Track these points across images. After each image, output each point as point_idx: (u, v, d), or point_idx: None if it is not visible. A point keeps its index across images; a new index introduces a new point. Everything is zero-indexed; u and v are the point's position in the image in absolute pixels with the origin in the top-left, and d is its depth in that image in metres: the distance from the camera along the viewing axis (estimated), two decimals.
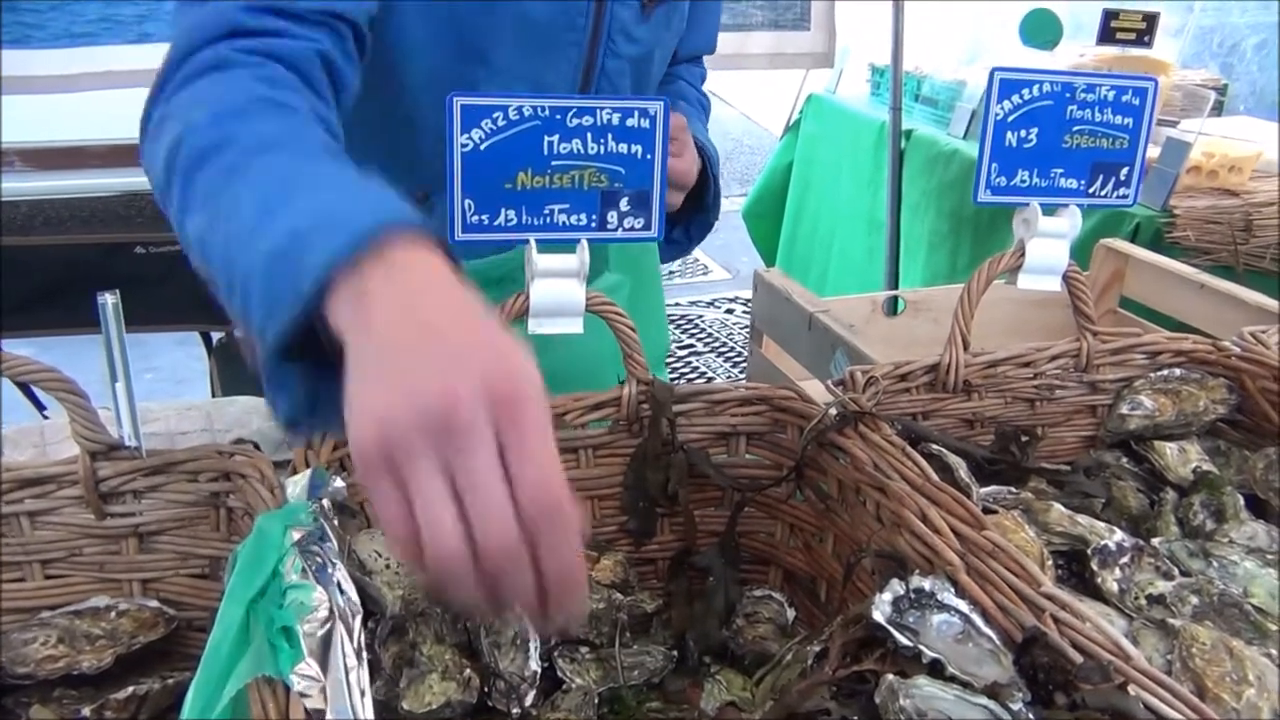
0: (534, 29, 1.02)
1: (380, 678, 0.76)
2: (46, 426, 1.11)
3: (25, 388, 1.60)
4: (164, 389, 3.45)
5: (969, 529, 0.77)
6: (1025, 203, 1.07)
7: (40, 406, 1.96)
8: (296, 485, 0.78)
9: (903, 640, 0.68)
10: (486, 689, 0.79)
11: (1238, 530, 0.95)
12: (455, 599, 0.53)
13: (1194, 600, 0.84)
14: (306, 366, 0.61)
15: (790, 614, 0.93)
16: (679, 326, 4.35)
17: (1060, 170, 1.08)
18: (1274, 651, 0.77)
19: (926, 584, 0.72)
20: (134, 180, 2.44)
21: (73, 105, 2.30)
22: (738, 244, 3.80)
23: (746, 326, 1.91)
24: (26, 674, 0.81)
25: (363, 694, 0.62)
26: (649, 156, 0.92)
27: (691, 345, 4.18)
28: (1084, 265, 1.54)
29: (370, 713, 0.61)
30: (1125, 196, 1.11)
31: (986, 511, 0.86)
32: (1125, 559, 0.88)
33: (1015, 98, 1.05)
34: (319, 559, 0.70)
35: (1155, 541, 0.92)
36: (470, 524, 0.51)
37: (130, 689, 0.81)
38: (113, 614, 0.88)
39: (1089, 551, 0.88)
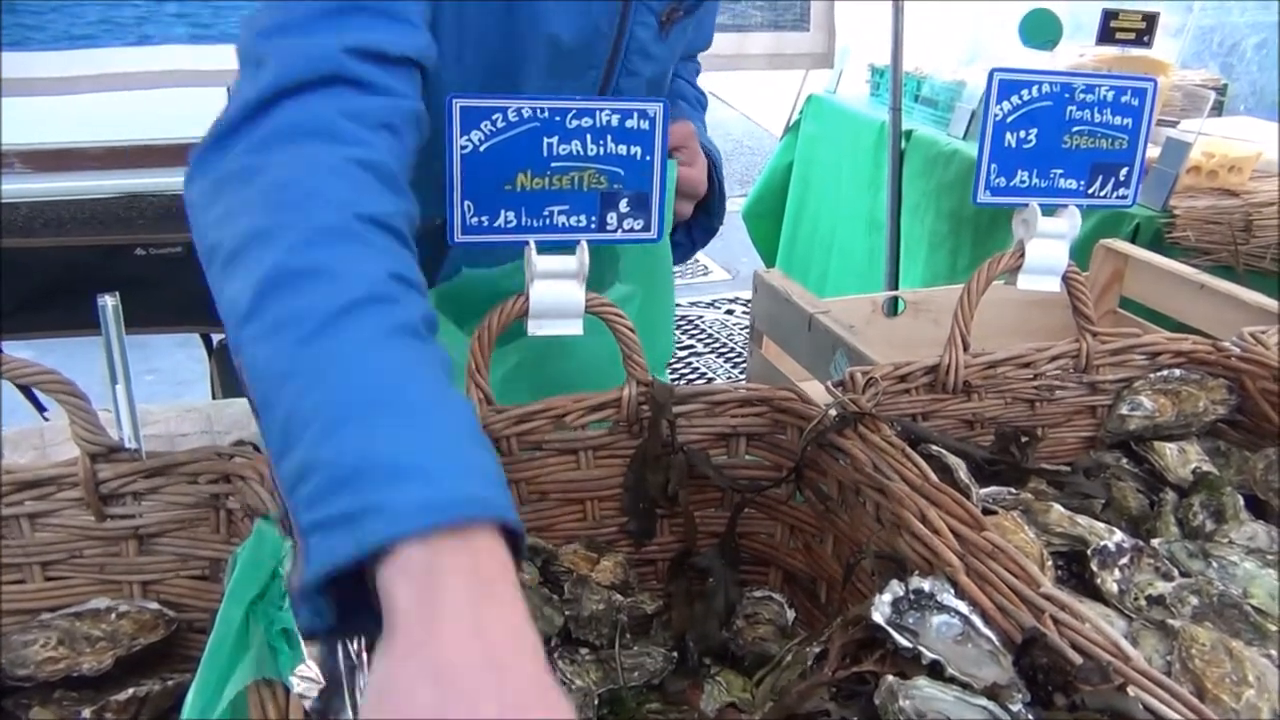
0: (561, 53, 1.01)
1: None
2: (46, 428, 1.12)
3: (26, 389, 1.60)
4: (165, 391, 3.45)
5: (968, 530, 0.77)
6: (1025, 203, 1.07)
7: (41, 408, 1.96)
8: None
9: (902, 641, 0.68)
10: None
11: (1237, 531, 0.95)
12: None
13: (1194, 601, 0.84)
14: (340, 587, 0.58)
15: (790, 615, 0.93)
16: (679, 327, 4.35)
17: (1060, 171, 1.08)
18: (1274, 652, 0.77)
19: (926, 585, 0.72)
20: (134, 182, 2.44)
21: (73, 107, 2.30)
22: (738, 244, 3.79)
23: (746, 327, 1.91)
24: (27, 676, 0.82)
25: (362, 695, 0.62)
26: (648, 158, 0.92)
27: (691, 346, 4.18)
28: (1084, 266, 1.54)
29: None
30: (1125, 197, 1.11)
31: (986, 512, 0.86)
32: (1125, 560, 0.88)
33: (1015, 98, 1.05)
34: None
35: (1155, 542, 0.92)
36: None
37: (130, 691, 0.81)
38: (113, 616, 0.88)
39: (1089, 552, 0.88)
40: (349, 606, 0.58)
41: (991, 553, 0.74)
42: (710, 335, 4.29)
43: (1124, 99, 1.07)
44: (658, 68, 1.13)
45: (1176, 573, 0.88)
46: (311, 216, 0.69)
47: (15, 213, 2.23)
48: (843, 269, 3.44)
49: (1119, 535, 0.90)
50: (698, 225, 1.24)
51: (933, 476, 0.83)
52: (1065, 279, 1.08)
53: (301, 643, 0.66)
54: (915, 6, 3.02)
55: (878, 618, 0.70)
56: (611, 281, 1.18)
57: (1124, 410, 1.10)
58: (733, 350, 4.13)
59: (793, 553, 1.00)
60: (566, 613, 0.88)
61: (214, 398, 2.13)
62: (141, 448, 0.89)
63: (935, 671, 0.67)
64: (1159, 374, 1.12)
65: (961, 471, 0.94)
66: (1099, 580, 0.87)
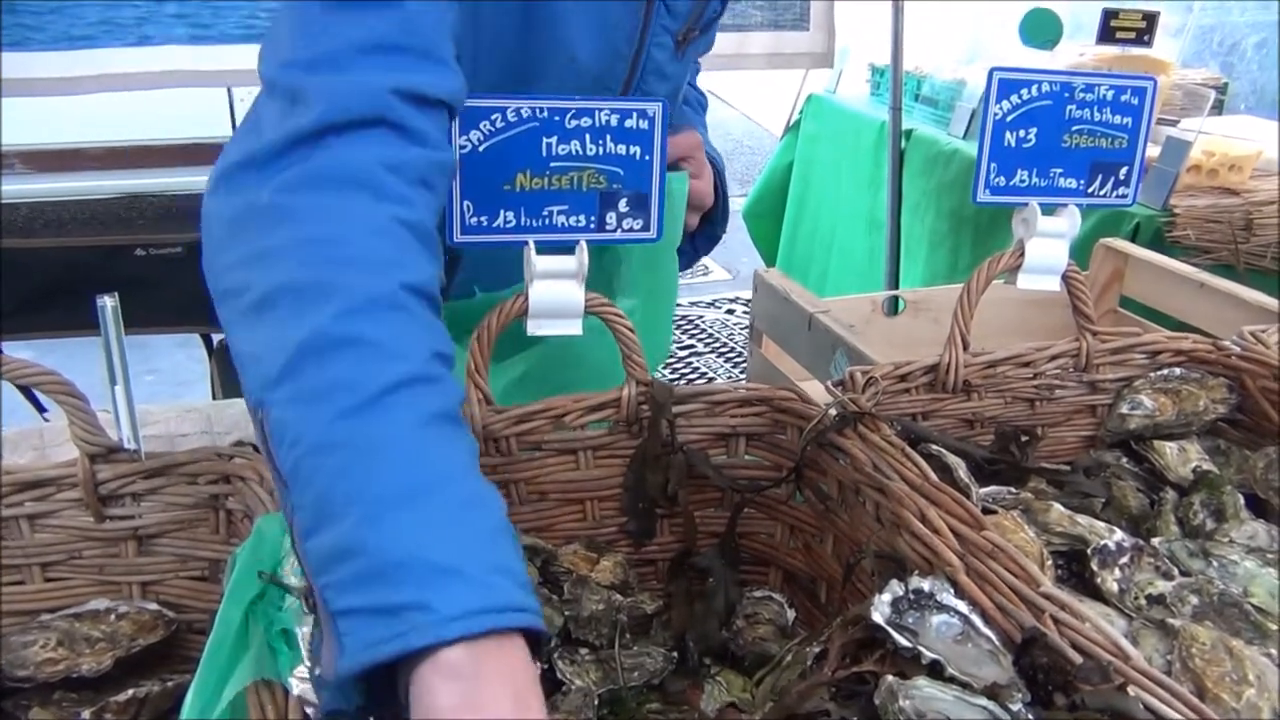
0: (579, 74, 1.00)
1: None
2: (46, 429, 1.11)
3: (26, 390, 1.60)
4: (165, 391, 3.45)
5: (968, 529, 0.77)
6: (1024, 202, 1.07)
7: (41, 409, 1.96)
8: None
9: (902, 641, 0.68)
10: None
11: (1238, 530, 0.95)
12: None
13: (1194, 600, 0.84)
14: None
15: (790, 615, 0.93)
16: (679, 327, 4.35)
17: (1059, 170, 1.08)
18: (1274, 651, 0.77)
19: (926, 585, 0.72)
20: (134, 182, 2.45)
21: (73, 107, 2.30)
22: (738, 244, 3.79)
23: (747, 327, 1.91)
24: (26, 677, 0.82)
25: None
26: (647, 157, 0.92)
27: (692, 346, 4.18)
28: (1084, 265, 1.54)
29: None
30: (1124, 196, 1.11)
31: (986, 512, 0.86)
32: (1125, 559, 0.88)
33: (1014, 97, 1.05)
34: None
35: (1155, 541, 0.92)
36: None
37: (130, 691, 0.81)
38: (112, 616, 0.88)
39: (1089, 551, 0.88)
40: (374, 687, 0.59)
41: (991, 552, 0.74)
42: (711, 335, 4.29)
43: (1124, 98, 1.07)
44: (672, 86, 1.12)
45: (1177, 572, 0.88)
46: (358, 281, 0.67)
47: (15, 213, 2.23)
48: (843, 268, 3.44)
49: (1119, 534, 0.90)
50: (701, 234, 1.23)
51: (932, 476, 0.83)
52: (1065, 278, 1.08)
53: (301, 645, 0.66)
54: (915, 6, 3.02)
55: (877, 617, 0.70)
56: (615, 295, 1.17)
57: (1124, 409, 1.10)
58: (733, 350, 4.13)
59: (792, 552, 1.00)
60: (566, 613, 0.88)
61: (214, 398, 2.13)
62: (141, 448, 0.89)
63: (935, 671, 0.66)
64: (1159, 373, 1.12)
65: (961, 471, 0.94)
66: (1099, 580, 0.86)
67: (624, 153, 0.92)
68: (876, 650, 0.71)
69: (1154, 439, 1.08)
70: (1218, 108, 2.89)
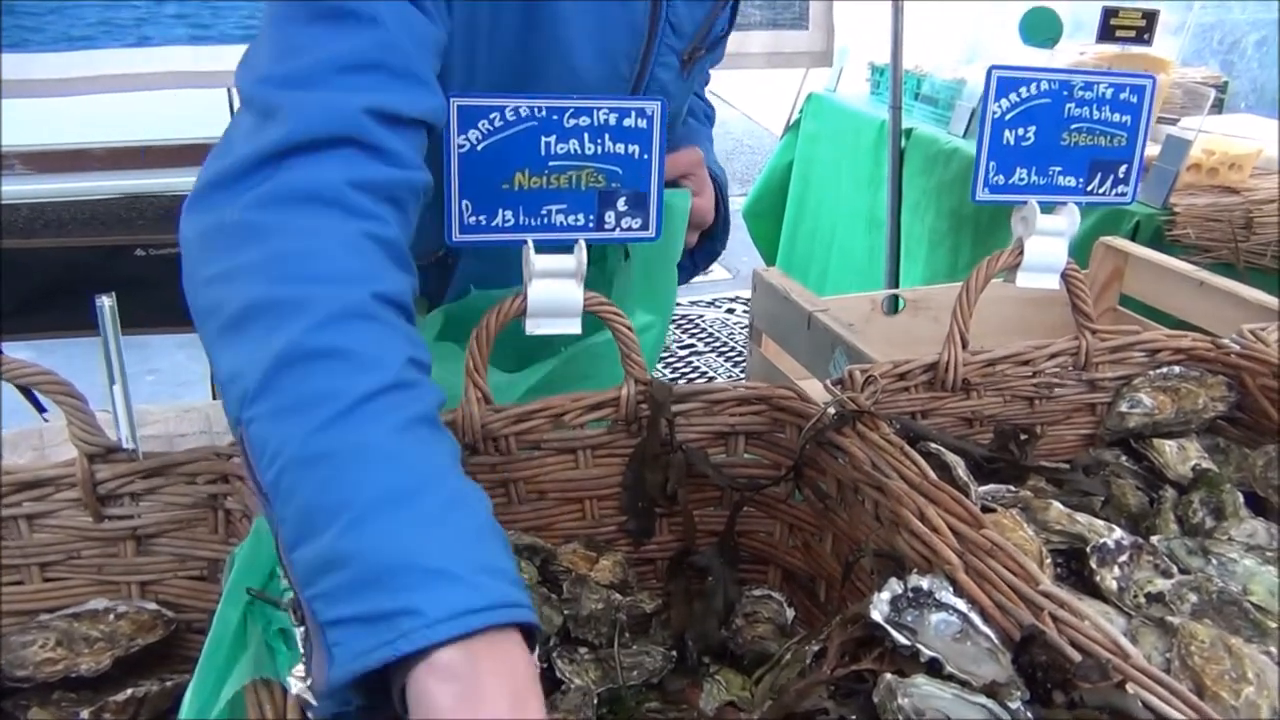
0: (580, 92, 1.01)
1: None
2: (45, 429, 1.12)
3: (26, 390, 1.60)
4: (165, 391, 3.45)
5: (967, 528, 0.77)
6: (1023, 201, 1.07)
7: (41, 409, 1.96)
8: None
9: (901, 639, 0.68)
10: None
11: (1237, 528, 0.95)
12: None
13: (1193, 598, 0.83)
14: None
15: (789, 613, 0.93)
16: (680, 326, 4.35)
17: (1058, 168, 1.08)
18: (1273, 649, 0.77)
19: (925, 583, 0.72)
20: (134, 183, 2.44)
21: (73, 108, 2.30)
22: (738, 244, 3.78)
23: (747, 326, 1.91)
24: (25, 676, 0.82)
25: None
26: (646, 156, 0.92)
27: (692, 345, 4.18)
28: (1084, 263, 1.54)
29: None
30: (1124, 194, 1.10)
31: (985, 510, 0.86)
32: (1124, 557, 0.88)
33: (1013, 96, 1.04)
34: None
35: (1154, 539, 0.92)
36: None
37: (129, 691, 0.81)
38: (111, 616, 0.88)
39: (1088, 550, 0.88)
40: (371, 691, 0.59)
41: (990, 550, 0.74)
42: (711, 334, 4.29)
43: (1122, 96, 1.07)
44: (676, 105, 1.12)
45: (1176, 570, 0.88)
46: (329, 294, 0.67)
47: (16, 214, 2.23)
48: (843, 268, 3.44)
49: (1118, 532, 0.90)
50: (701, 249, 1.22)
51: (931, 474, 0.83)
52: (1064, 276, 1.07)
53: (299, 644, 0.66)
54: (914, 5, 3.02)
55: (876, 616, 0.70)
56: (633, 311, 1.16)
57: (1123, 407, 1.10)
58: (733, 349, 4.13)
59: (791, 551, 1.00)
60: (565, 612, 0.88)
61: (214, 398, 2.13)
62: (139, 448, 0.89)
63: (934, 669, 0.66)
64: (1158, 371, 1.12)
65: (960, 469, 0.94)
66: (1098, 578, 0.86)
67: (623, 152, 0.91)
68: (875, 648, 0.71)
69: (1153, 437, 1.08)
70: (1218, 106, 2.89)
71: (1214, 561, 0.90)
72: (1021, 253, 1.05)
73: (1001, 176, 1.06)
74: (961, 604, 0.71)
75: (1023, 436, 1.05)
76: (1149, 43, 2.64)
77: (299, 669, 0.63)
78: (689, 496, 0.99)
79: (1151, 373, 1.12)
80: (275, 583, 0.72)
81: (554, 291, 0.91)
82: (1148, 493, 1.04)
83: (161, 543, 0.91)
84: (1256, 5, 4.03)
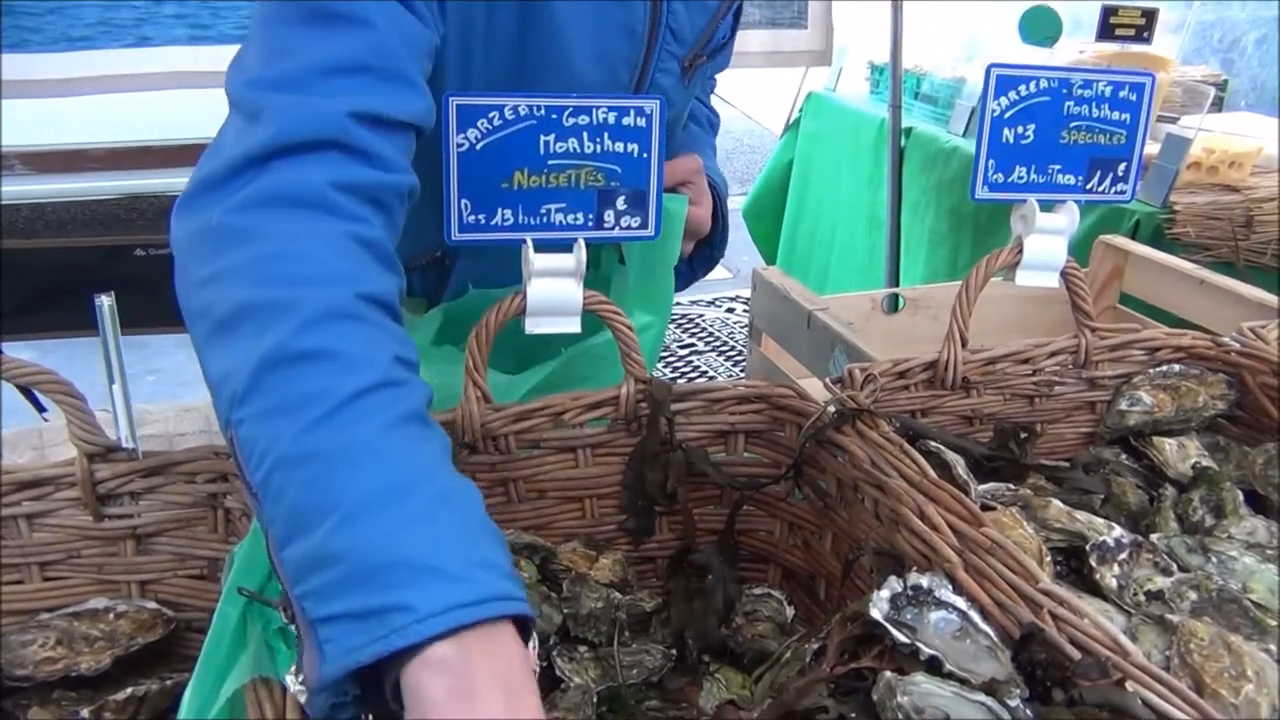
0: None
1: None
2: (45, 429, 1.12)
3: (26, 390, 1.61)
4: (166, 391, 3.45)
5: (967, 526, 0.77)
6: (1023, 199, 1.07)
7: (41, 408, 1.96)
8: None
9: (900, 637, 0.68)
10: None
11: (1237, 526, 0.95)
12: None
13: (1193, 596, 0.83)
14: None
15: (789, 612, 0.93)
16: (680, 326, 4.35)
17: (1058, 166, 1.08)
18: (1273, 647, 0.77)
19: (924, 581, 0.72)
20: (134, 183, 2.44)
21: (73, 109, 2.30)
22: (738, 243, 3.78)
23: (747, 325, 1.91)
24: (25, 676, 0.82)
25: None
26: (645, 155, 0.92)
27: (692, 344, 4.18)
28: (1083, 262, 1.54)
29: None
30: (1123, 192, 1.10)
31: (985, 508, 0.86)
32: (1124, 555, 0.88)
33: (1012, 94, 1.04)
34: None
35: (1154, 537, 0.92)
36: None
37: (129, 690, 0.81)
38: (111, 615, 0.88)
39: (1088, 548, 0.88)
40: (365, 688, 0.59)
41: (990, 549, 0.74)
42: (711, 334, 4.29)
43: (1122, 94, 1.07)
44: (676, 112, 1.11)
45: (1175, 568, 0.88)
46: (314, 295, 0.67)
47: (16, 214, 2.23)
48: (843, 267, 3.44)
49: (1118, 530, 0.90)
50: (699, 256, 1.22)
51: (931, 473, 0.83)
52: (1064, 275, 1.07)
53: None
54: (914, 4, 3.02)
55: (876, 614, 0.70)
56: (630, 311, 1.16)
57: (1123, 406, 1.10)
58: (734, 348, 4.13)
59: (791, 550, 1.00)
60: (565, 610, 0.88)
61: None
62: (138, 447, 0.89)
63: (933, 667, 0.66)
64: (1158, 369, 1.12)
65: (960, 468, 0.94)
66: (1098, 576, 0.86)
67: (622, 150, 0.91)
68: (875, 647, 0.71)
69: (1153, 435, 1.08)
70: (1218, 104, 2.89)
71: (1214, 559, 0.90)
72: (1021, 251, 1.05)
73: (1001, 175, 1.06)
74: (961, 602, 0.71)
75: (1022, 435, 1.05)
76: (1149, 41, 2.64)
77: (296, 667, 0.63)
78: (689, 495, 0.99)
79: (1151, 371, 1.12)
80: (274, 582, 0.72)
81: (553, 290, 0.91)
82: (1148, 491, 1.04)
83: (161, 542, 0.91)
84: (1256, 3, 4.03)
